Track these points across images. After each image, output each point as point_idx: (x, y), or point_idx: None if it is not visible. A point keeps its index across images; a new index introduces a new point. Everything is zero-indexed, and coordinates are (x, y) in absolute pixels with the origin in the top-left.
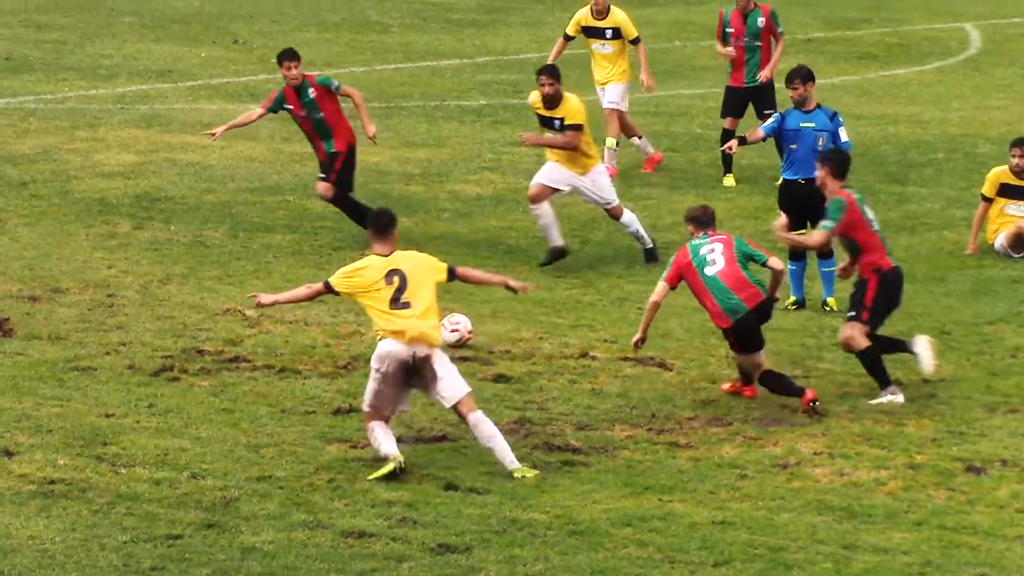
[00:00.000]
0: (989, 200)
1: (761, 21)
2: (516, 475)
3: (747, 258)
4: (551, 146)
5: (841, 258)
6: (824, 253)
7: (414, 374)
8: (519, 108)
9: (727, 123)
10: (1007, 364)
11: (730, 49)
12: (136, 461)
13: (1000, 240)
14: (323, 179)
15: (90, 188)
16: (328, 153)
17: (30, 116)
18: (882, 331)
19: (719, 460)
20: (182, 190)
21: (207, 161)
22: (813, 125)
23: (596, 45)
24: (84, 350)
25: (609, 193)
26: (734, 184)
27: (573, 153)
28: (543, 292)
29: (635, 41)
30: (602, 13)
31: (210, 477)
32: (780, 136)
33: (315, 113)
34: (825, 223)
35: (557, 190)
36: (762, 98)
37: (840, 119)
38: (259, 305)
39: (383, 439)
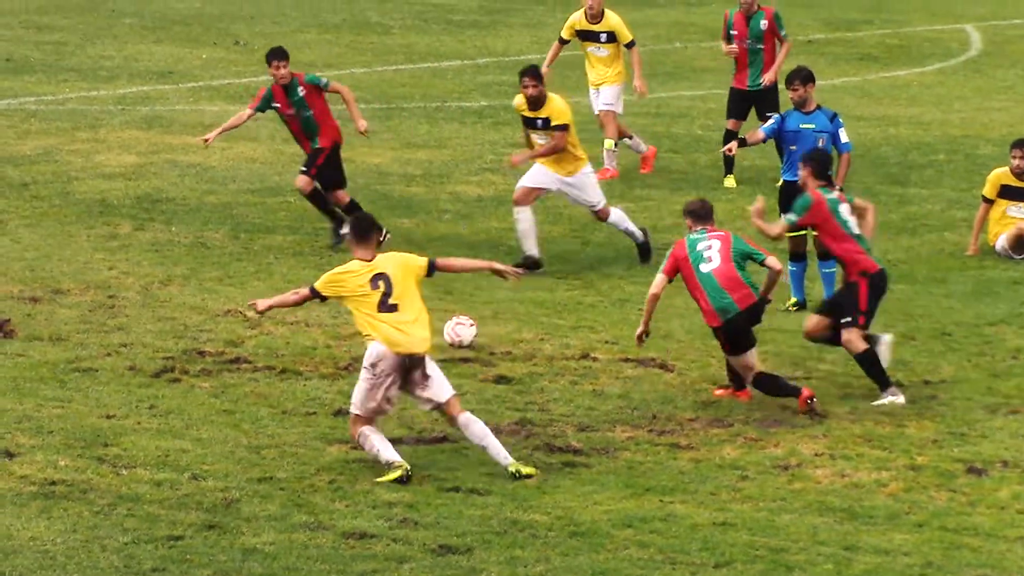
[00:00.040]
0: (990, 201)
1: (764, 23)
2: (511, 469)
3: (744, 257)
4: (540, 156)
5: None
6: (824, 254)
7: (407, 374)
8: None
9: (730, 124)
10: (1008, 365)
11: (733, 46)
12: (137, 462)
13: (1001, 241)
14: (304, 172)
15: (91, 189)
16: (313, 149)
17: (31, 117)
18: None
19: (720, 461)
20: (183, 191)
21: (208, 162)
22: (813, 126)
23: (591, 48)
24: (85, 351)
25: (595, 195)
26: (735, 185)
27: (561, 155)
28: (544, 293)
29: (630, 45)
30: (596, 17)
31: (211, 478)
32: (780, 137)
33: (304, 111)
34: (789, 216)
35: (543, 190)
36: (764, 101)
37: (840, 120)
38: (258, 312)
39: (380, 445)
